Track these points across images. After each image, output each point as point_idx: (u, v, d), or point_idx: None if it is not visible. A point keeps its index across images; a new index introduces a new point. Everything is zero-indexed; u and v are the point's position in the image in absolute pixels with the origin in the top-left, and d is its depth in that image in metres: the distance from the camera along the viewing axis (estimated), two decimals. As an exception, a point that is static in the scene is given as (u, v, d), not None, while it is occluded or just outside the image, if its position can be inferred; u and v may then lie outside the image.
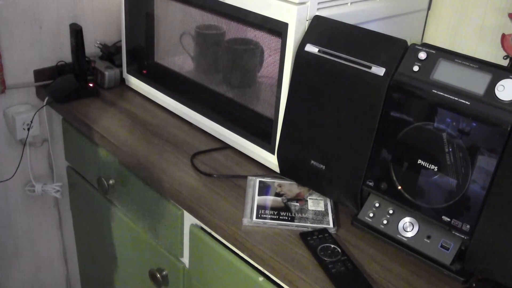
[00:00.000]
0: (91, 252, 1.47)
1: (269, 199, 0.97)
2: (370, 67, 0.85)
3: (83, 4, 1.40)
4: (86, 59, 1.33)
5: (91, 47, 1.44)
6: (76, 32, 1.26)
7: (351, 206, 0.93)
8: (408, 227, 0.86)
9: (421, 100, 0.80)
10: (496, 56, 1.12)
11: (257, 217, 0.92)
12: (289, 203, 0.96)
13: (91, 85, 1.32)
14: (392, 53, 0.84)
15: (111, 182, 1.20)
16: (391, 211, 0.87)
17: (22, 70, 1.35)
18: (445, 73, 0.79)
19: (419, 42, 0.92)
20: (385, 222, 0.87)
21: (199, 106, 1.16)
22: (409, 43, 0.85)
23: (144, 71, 1.29)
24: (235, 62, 1.05)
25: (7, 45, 1.30)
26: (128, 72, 1.34)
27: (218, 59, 1.09)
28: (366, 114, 0.86)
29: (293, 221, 0.92)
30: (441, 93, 0.78)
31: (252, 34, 1.00)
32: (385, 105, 0.84)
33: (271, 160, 1.03)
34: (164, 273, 1.14)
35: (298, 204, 0.96)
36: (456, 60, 0.80)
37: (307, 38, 0.92)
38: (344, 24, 0.90)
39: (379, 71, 0.84)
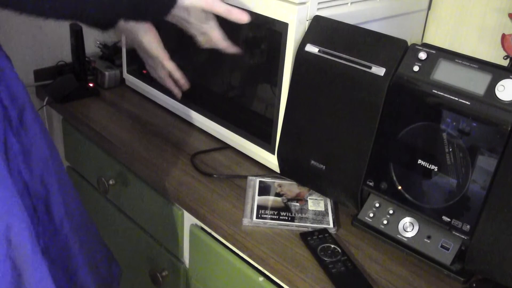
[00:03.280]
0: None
1: (269, 199, 0.97)
2: (370, 67, 0.85)
3: (83, 4, 1.40)
4: (86, 59, 1.33)
5: (91, 47, 1.44)
6: (76, 32, 1.26)
7: (351, 206, 0.93)
8: (408, 227, 0.86)
9: (421, 100, 0.80)
10: (496, 56, 1.12)
11: (257, 217, 0.92)
12: (289, 203, 0.96)
13: (91, 85, 1.32)
14: (392, 53, 0.84)
15: (111, 182, 1.20)
16: (391, 211, 0.87)
17: (22, 70, 1.35)
18: (445, 73, 0.79)
19: (419, 42, 0.92)
20: (385, 222, 0.87)
21: (199, 106, 1.16)
22: (409, 43, 0.85)
23: (144, 71, 1.29)
24: (235, 62, 1.05)
25: (7, 45, 1.30)
26: (128, 72, 1.34)
27: (218, 58, 1.09)
28: (366, 114, 0.86)
29: (293, 221, 0.92)
30: (441, 93, 0.78)
31: (252, 34, 1.00)
32: (385, 105, 0.84)
33: (271, 160, 1.03)
34: (164, 273, 1.14)
35: (298, 204, 0.96)
36: (456, 60, 0.80)
37: (307, 38, 0.92)
38: (344, 24, 0.90)
39: (379, 71, 0.84)
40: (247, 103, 1.07)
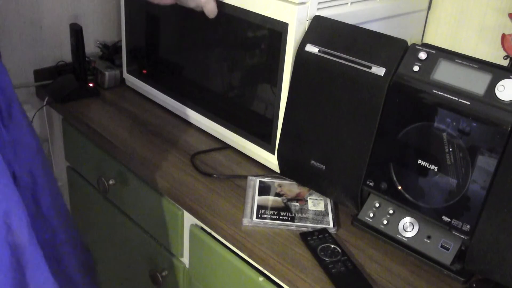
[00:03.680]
0: (91, 252, 1.47)
1: (269, 199, 0.97)
2: (370, 67, 0.85)
3: (83, 4, 1.40)
4: (86, 59, 1.33)
5: (91, 47, 1.44)
6: (76, 32, 1.26)
7: (351, 206, 0.93)
8: (408, 227, 0.86)
9: (421, 100, 0.80)
10: (496, 56, 1.12)
11: (257, 217, 0.92)
12: (289, 203, 0.96)
13: (91, 85, 1.32)
14: (392, 53, 0.84)
15: (111, 182, 1.20)
16: (391, 211, 0.87)
17: (22, 70, 1.35)
18: (445, 73, 0.79)
19: (419, 42, 0.92)
20: (385, 222, 0.87)
21: (199, 106, 1.16)
22: (409, 43, 0.85)
23: (144, 71, 1.29)
24: (235, 62, 1.05)
25: (7, 45, 1.30)
26: (128, 72, 1.34)
27: (218, 59, 1.09)
28: (366, 114, 0.86)
29: (293, 221, 0.92)
30: (441, 93, 0.78)
31: (252, 34, 1.00)
32: (385, 105, 0.84)
33: (271, 160, 1.03)
34: (164, 273, 1.14)
35: (298, 204, 0.96)
36: (456, 60, 0.80)
37: (307, 38, 0.92)
38: (344, 24, 0.90)
39: (379, 71, 0.84)
40: (247, 103, 1.07)
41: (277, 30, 0.93)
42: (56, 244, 0.85)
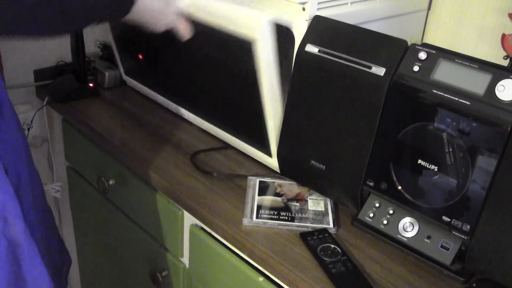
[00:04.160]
0: (91, 252, 1.47)
1: (269, 199, 0.97)
2: (370, 67, 0.85)
3: (83, 4, 1.40)
4: (86, 59, 1.33)
5: (91, 47, 1.44)
6: (76, 32, 1.26)
7: (351, 206, 0.93)
8: (408, 227, 0.86)
9: (421, 100, 0.80)
10: (496, 56, 1.12)
11: (257, 217, 0.92)
12: (289, 203, 0.96)
13: (91, 85, 1.32)
14: (392, 53, 0.84)
15: (111, 182, 1.20)
16: (391, 211, 0.87)
17: (22, 70, 1.35)
18: (445, 73, 0.79)
19: (419, 42, 0.92)
20: (385, 222, 0.87)
21: (197, 109, 1.16)
22: (409, 43, 0.85)
23: (140, 56, 1.27)
24: (234, 63, 1.05)
25: (7, 45, 1.30)
26: (126, 74, 1.34)
27: (217, 59, 1.09)
28: (366, 114, 0.86)
29: (293, 221, 0.92)
30: (441, 93, 0.78)
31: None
32: (385, 105, 0.84)
33: (270, 161, 1.03)
34: (164, 273, 1.14)
35: (298, 204, 0.96)
36: (456, 60, 0.80)
37: (307, 38, 0.92)
38: (344, 24, 0.90)
39: (379, 71, 0.84)
40: (239, 108, 1.06)
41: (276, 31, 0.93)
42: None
